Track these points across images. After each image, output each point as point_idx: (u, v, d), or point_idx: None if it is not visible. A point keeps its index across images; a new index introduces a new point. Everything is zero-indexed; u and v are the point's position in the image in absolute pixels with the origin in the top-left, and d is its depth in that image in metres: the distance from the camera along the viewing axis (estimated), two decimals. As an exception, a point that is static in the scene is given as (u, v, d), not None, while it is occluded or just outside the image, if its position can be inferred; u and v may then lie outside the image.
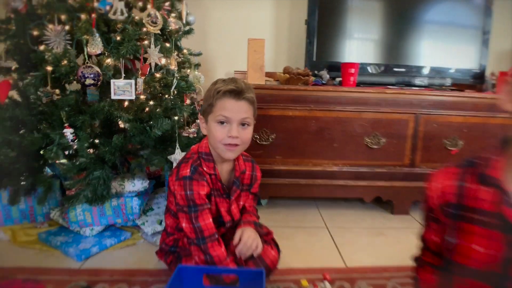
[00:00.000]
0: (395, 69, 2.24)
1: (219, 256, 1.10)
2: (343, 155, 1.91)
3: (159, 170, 1.96)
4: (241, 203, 1.30)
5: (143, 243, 1.59)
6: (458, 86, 2.31)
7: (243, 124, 1.14)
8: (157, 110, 1.51)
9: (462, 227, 0.72)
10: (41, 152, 1.30)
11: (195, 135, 1.64)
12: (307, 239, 1.67)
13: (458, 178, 0.74)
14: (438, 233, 0.79)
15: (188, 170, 1.14)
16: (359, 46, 2.25)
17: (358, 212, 1.99)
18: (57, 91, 1.32)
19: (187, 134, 1.62)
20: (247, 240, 1.13)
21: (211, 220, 1.13)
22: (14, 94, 1.47)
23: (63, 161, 1.38)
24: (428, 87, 2.17)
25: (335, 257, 1.51)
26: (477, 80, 2.35)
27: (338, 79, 2.12)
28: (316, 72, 2.12)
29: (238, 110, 1.11)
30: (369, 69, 2.21)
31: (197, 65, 1.85)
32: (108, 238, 1.56)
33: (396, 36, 2.23)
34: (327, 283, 1.19)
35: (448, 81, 2.27)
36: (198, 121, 1.66)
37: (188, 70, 1.81)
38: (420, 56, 2.26)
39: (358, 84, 2.04)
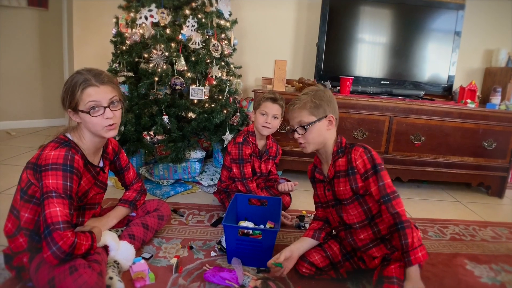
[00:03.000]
0: (382, 82, 3.03)
1: (253, 188, 2.00)
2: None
3: (208, 147, 2.80)
4: (269, 166, 2.14)
5: (201, 192, 2.45)
6: (431, 96, 3.08)
7: (274, 117, 1.98)
8: (214, 105, 2.35)
9: (316, 186, 1.56)
10: (151, 131, 2.15)
11: (237, 123, 2.47)
12: (308, 196, 2.49)
13: (312, 166, 1.59)
14: (316, 191, 1.58)
15: (241, 139, 2.02)
16: (355, 64, 3.04)
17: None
18: (161, 93, 2.17)
19: (232, 123, 2.46)
20: (285, 186, 2.08)
21: (250, 169, 2.01)
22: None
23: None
24: (406, 96, 2.95)
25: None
26: (446, 92, 3.13)
27: (337, 88, 2.92)
28: (322, 82, 2.92)
29: (272, 109, 1.96)
30: (363, 81, 3.00)
31: (240, 76, 2.68)
32: (179, 187, 2.42)
33: (385, 53, 3.02)
34: (316, 213, 2.03)
35: (421, 93, 3.05)
36: (238, 114, 2.50)
37: (232, 78, 2.64)
38: (401, 72, 3.04)
39: (353, 92, 2.84)
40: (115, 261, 1.44)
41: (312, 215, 2.04)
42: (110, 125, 1.32)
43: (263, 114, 1.98)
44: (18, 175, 1.33)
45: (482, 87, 3.39)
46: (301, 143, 1.42)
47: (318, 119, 1.37)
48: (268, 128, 1.99)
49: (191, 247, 1.67)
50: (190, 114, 2.26)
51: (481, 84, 3.42)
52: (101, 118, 1.30)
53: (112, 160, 1.60)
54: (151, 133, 2.16)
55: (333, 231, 1.60)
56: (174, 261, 1.52)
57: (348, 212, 1.43)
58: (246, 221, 1.77)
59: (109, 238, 1.47)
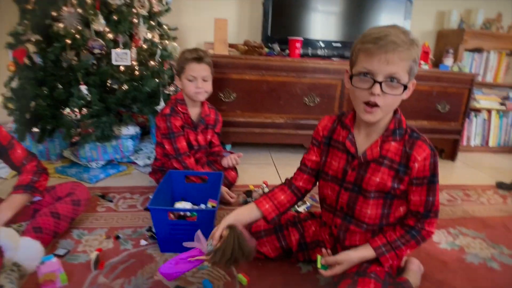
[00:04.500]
0: (334, 44, 2.83)
1: (191, 164, 1.73)
2: (288, 110, 2.50)
3: (144, 122, 2.48)
4: (209, 137, 1.88)
5: (136, 172, 2.15)
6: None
7: (204, 80, 1.71)
8: (145, 73, 2.03)
9: (329, 150, 1.16)
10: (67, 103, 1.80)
11: (175, 92, 2.17)
12: (258, 170, 2.29)
13: (333, 122, 1.16)
14: (314, 155, 1.21)
15: (168, 110, 1.73)
16: (305, 25, 2.80)
17: (300, 154, 2.62)
18: (75, 58, 1.81)
19: (168, 92, 2.16)
20: (229, 160, 1.82)
21: (185, 143, 1.73)
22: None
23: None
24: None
25: (276, 179, 2.14)
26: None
27: (286, 51, 2.68)
28: (269, 44, 2.67)
29: (200, 71, 1.68)
30: (313, 44, 2.78)
31: (174, 38, 2.36)
32: (110, 169, 2.11)
33: (337, 17, 2.81)
34: (265, 187, 1.81)
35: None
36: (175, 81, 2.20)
37: (167, 42, 2.32)
38: (354, 34, 2.85)
39: (303, 56, 2.62)
40: (14, 264, 1.14)
41: (260, 189, 1.83)
42: None
43: (191, 80, 1.69)
44: None
45: (435, 50, 3.29)
46: (372, 106, 0.96)
47: (410, 81, 0.97)
48: (202, 93, 1.72)
49: (117, 237, 1.40)
50: (110, 83, 1.93)
51: (434, 46, 3.33)
52: None
53: None
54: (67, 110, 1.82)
55: (324, 207, 1.23)
56: (94, 255, 1.25)
57: (365, 208, 1.09)
58: (183, 202, 1.51)
59: (1, 236, 1.16)
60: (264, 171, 2.29)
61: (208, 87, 1.73)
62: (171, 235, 1.28)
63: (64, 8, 1.82)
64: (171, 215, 1.38)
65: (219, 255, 1.04)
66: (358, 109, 1.01)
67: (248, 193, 1.77)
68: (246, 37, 2.86)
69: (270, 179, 2.14)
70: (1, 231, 1.18)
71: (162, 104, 2.05)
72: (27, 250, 1.19)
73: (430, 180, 1.03)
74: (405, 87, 0.95)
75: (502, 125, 3.34)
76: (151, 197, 1.76)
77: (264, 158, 2.53)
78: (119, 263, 1.26)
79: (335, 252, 1.16)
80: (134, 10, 2.00)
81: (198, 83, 1.68)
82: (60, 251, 1.30)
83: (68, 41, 1.80)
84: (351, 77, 0.98)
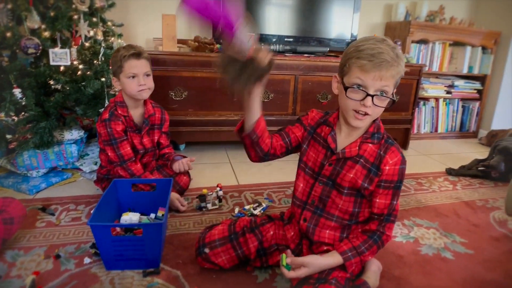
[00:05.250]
0: (286, 39, 2.80)
1: (137, 170, 1.64)
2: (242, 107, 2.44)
3: (90, 124, 2.34)
4: (156, 137, 1.79)
5: (82, 180, 2.01)
6: (336, 53, 2.95)
7: (147, 75, 1.62)
8: (88, 73, 1.90)
9: (310, 141, 1.21)
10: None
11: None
12: (214, 170, 2.23)
13: (320, 117, 1.21)
14: (299, 132, 1.22)
15: (107, 115, 1.61)
16: (258, 19, 2.74)
17: (256, 152, 2.59)
18: (6, 58, 1.65)
19: (113, 92, 2.03)
20: (180, 165, 1.73)
21: (129, 148, 1.64)
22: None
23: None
24: (311, 54, 2.77)
25: (232, 179, 2.09)
26: (350, 47, 3.01)
27: (239, 47, 2.61)
28: (221, 41, 2.59)
29: (141, 67, 1.59)
30: (266, 39, 2.74)
31: (120, 35, 2.22)
32: (53, 177, 1.96)
33: (289, 11, 2.78)
34: (219, 190, 1.75)
35: (326, 49, 2.89)
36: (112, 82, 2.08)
37: (112, 39, 2.18)
38: (306, 28, 2.83)
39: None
40: None
41: (214, 192, 1.78)
42: None
43: (133, 77, 1.59)
44: None
45: (384, 41, 3.36)
46: (363, 114, 1.03)
47: (393, 93, 1.04)
48: (144, 90, 1.62)
49: (57, 256, 1.29)
50: (53, 84, 1.78)
51: (382, 38, 3.39)
52: None
53: None
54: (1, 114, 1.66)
55: (294, 201, 1.25)
56: (29, 280, 1.14)
57: (338, 200, 1.14)
58: (130, 213, 1.42)
59: None
60: (220, 170, 2.24)
61: (150, 83, 1.64)
62: (116, 251, 1.20)
63: (-10, 4, 1.65)
64: (116, 229, 1.29)
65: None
66: (348, 114, 1.07)
67: (202, 198, 1.71)
68: (196, 33, 2.75)
69: (226, 178, 2.10)
70: None
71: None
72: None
73: (396, 186, 1.11)
74: (393, 101, 1.04)
75: (449, 112, 3.52)
76: (96, 208, 1.67)
77: (220, 157, 2.47)
78: (59, 287, 1.16)
79: (299, 253, 1.21)
80: (73, 6, 1.85)
81: (140, 80, 1.59)
82: (-10, 278, 1.18)
83: (-4, 41, 1.63)
84: (345, 88, 1.04)
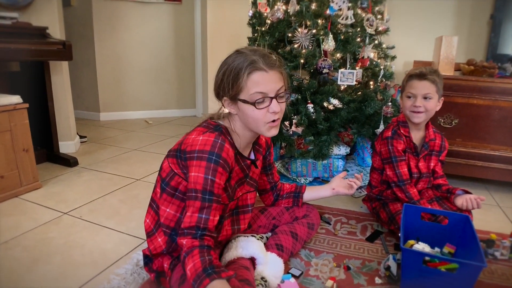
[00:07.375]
0: None
1: (415, 194, 1.57)
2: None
3: (349, 141, 2.43)
4: (432, 164, 1.67)
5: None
6: None
7: (425, 98, 1.51)
8: (367, 93, 1.95)
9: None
10: (294, 121, 1.86)
11: (392, 114, 2.03)
12: (478, 212, 1.94)
13: None
14: None
15: (390, 133, 1.60)
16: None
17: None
18: (307, 77, 1.87)
19: (385, 114, 2.04)
20: (468, 202, 1.51)
21: (406, 169, 1.58)
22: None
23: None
24: None
25: (507, 225, 1.77)
26: None
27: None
28: (498, 64, 2.28)
29: (419, 88, 1.50)
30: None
31: (393, 57, 2.22)
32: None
33: None
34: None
35: None
36: (390, 103, 2.06)
37: (384, 61, 2.21)
38: None
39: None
40: (262, 278, 1.18)
41: (506, 241, 1.51)
42: (273, 121, 1.05)
43: (409, 97, 1.54)
44: (155, 162, 1.16)
45: None
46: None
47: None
48: (419, 113, 1.53)
49: (348, 268, 1.33)
50: (336, 103, 1.91)
51: None
52: (265, 111, 1.03)
53: (264, 155, 1.33)
54: (287, 123, 1.88)
55: None
56: (329, 284, 1.21)
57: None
58: (419, 242, 1.35)
59: (256, 248, 1.22)
60: (487, 213, 1.93)
61: (430, 105, 1.53)
62: (419, 282, 1.13)
63: (299, 29, 1.90)
64: (425, 258, 1.22)
65: None
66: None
67: (489, 243, 1.48)
68: (463, 56, 2.51)
69: (496, 224, 1.79)
70: (256, 243, 1.25)
71: (381, 127, 1.94)
72: (273, 266, 1.22)
73: None
74: None
75: None
76: (369, 225, 1.67)
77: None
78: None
79: None
80: (358, 29, 1.95)
81: (416, 101, 1.51)
82: (295, 272, 1.30)
83: (302, 61, 1.86)
84: None
